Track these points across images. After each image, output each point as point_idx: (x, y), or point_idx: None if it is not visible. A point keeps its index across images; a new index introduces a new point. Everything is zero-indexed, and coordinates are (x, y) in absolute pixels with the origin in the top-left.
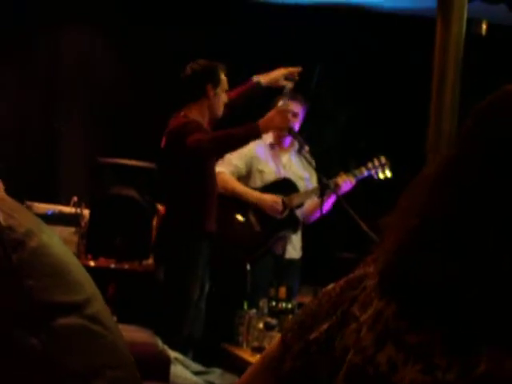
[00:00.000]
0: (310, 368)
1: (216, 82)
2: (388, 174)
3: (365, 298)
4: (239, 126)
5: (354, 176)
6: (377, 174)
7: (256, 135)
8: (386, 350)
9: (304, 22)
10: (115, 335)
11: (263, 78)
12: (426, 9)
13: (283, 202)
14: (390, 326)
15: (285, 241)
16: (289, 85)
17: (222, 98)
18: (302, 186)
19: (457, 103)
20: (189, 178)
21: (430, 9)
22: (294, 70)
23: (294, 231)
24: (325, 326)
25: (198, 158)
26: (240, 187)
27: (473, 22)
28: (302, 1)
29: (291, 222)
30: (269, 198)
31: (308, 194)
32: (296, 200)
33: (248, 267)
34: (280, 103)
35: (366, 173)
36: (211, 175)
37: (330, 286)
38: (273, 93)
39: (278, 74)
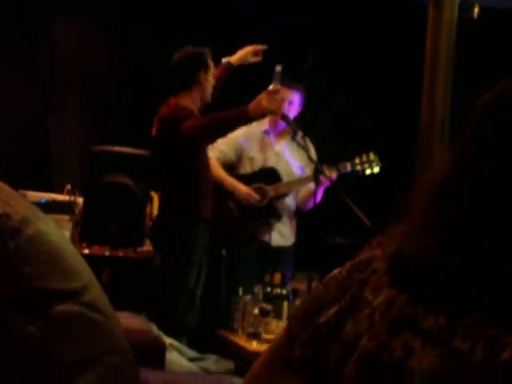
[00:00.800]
0: (319, 354)
1: (206, 68)
2: (376, 170)
3: (376, 281)
4: (229, 110)
5: (338, 170)
6: (363, 170)
7: (246, 118)
8: (401, 336)
9: (297, 8)
10: (113, 322)
11: (232, 58)
12: None
13: (263, 191)
14: (405, 312)
15: (269, 228)
16: (278, 68)
17: (211, 82)
18: (295, 173)
19: (449, 86)
20: (182, 164)
21: None
22: (260, 47)
23: (276, 219)
24: (333, 310)
25: (191, 144)
26: (221, 173)
27: (465, 6)
28: None
29: (270, 211)
30: (243, 189)
31: (296, 182)
32: (280, 189)
33: (224, 253)
34: (270, 87)
35: (349, 168)
36: (204, 161)
37: (336, 271)
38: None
39: (245, 51)
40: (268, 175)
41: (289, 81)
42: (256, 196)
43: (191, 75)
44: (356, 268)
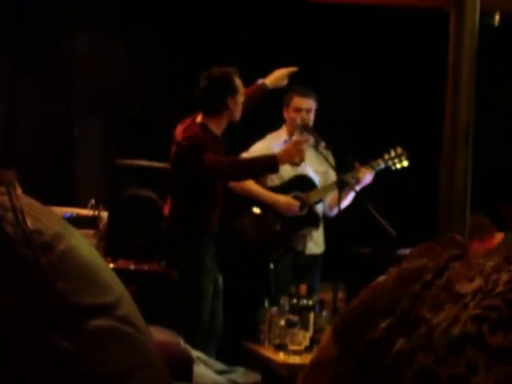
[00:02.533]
0: (368, 371)
1: (235, 91)
2: (405, 163)
3: (433, 299)
4: (258, 157)
5: (373, 168)
6: (394, 164)
7: (274, 168)
8: (464, 352)
9: (316, 16)
10: (145, 336)
11: (267, 80)
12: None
13: (302, 199)
14: (469, 329)
15: (305, 237)
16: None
17: (240, 103)
18: (319, 181)
19: (473, 96)
20: (198, 187)
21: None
22: (292, 69)
23: (316, 227)
24: (383, 325)
25: (212, 177)
26: (256, 189)
27: (485, 13)
28: None
29: (311, 219)
30: (283, 200)
31: (326, 189)
32: (314, 196)
33: (271, 266)
34: (294, 137)
35: (383, 164)
36: (218, 186)
37: (381, 278)
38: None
39: (280, 74)
40: (302, 183)
41: (301, 89)
42: (297, 204)
43: (220, 101)
44: (403, 279)
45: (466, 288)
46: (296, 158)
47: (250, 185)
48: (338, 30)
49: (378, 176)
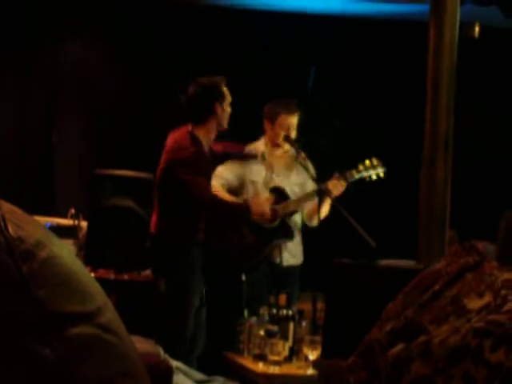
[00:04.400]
0: (369, 366)
1: (222, 98)
2: (380, 174)
3: (439, 310)
4: (235, 204)
5: (345, 179)
6: (369, 176)
7: (246, 216)
8: (462, 364)
9: (299, 29)
10: (127, 344)
11: None
12: (419, 13)
13: (274, 211)
14: (469, 341)
15: (279, 248)
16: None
17: (227, 110)
18: (296, 192)
19: (452, 107)
20: (184, 197)
21: (422, 13)
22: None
23: (289, 239)
24: (387, 328)
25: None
26: (228, 199)
27: (465, 25)
28: (297, 8)
29: (283, 231)
30: (253, 201)
31: (300, 200)
32: (288, 207)
33: (243, 278)
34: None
35: (356, 176)
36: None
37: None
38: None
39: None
40: (275, 195)
41: (286, 105)
42: (268, 212)
43: (207, 108)
44: (418, 286)
45: (473, 304)
46: (265, 210)
47: (222, 195)
48: (317, 41)
49: (358, 186)
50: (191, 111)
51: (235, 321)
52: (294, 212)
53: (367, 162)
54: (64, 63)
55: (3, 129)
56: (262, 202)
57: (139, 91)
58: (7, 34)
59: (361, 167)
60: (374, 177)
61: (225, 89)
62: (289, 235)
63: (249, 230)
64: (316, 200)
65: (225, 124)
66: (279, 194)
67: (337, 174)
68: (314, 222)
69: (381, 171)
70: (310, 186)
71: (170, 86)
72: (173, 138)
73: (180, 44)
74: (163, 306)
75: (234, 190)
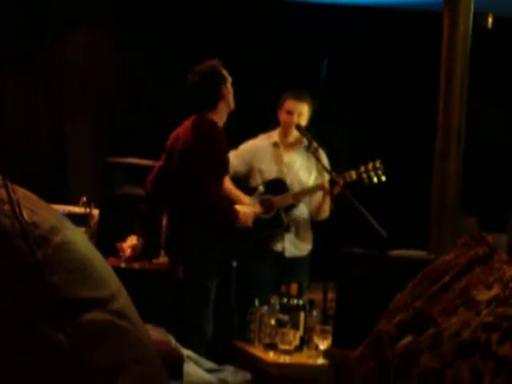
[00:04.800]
0: (378, 358)
1: (225, 80)
2: (382, 178)
3: (447, 303)
4: (232, 208)
5: (343, 179)
6: (370, 178)
7: (234, 220)
8: (471, 358)
9: (310, 19)
10: (140, 330)
11: None
12: (433, 3)
13: (271, 202)
14: (479, 335)
15: (282, 238)
16: (260, 188)
17: (231, 91)
18: (306, 184)
19: (465, 97)
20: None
21: (436, 3)
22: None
23: (281, 231)
24: (396, 320)
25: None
26: (228, 186)
27: (478, 16)
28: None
29: (276, 222)
30: (241, 212)
31: (302, 193)
32: (285, 200)
33: (234, 264)
34: (250, 200)
35: (354, 176)
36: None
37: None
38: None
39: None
40: (276, 186)
41: (296, 92)
42: (251, 219)
43: (215, 91)
44: (427, 277)
45: (482, 296)
46: (249, 223)
47: (227, 184)
48: (329, 32)
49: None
50: (199, 99)
51: (229, 309)
52: (292, 206)
53: (370, 163)
54: (73, 51)
55: (15, 118)
56: (248, 216)
57: (151, 78)
58: (7, 33)
59: (362, 168)
60: (375, 180)
61: (224, 70)
62: (281, 227)
63: None
64: (321, 194)
65: (232, 104)
66: (279, 185)
67: (334, 173)
68: (321, 216)
69: (382, 175)
70: (320, 176)
71: (177, 75)
72: (184, 131)
73: (184, 35)
74: (180, 294)
75: (241, 177)
